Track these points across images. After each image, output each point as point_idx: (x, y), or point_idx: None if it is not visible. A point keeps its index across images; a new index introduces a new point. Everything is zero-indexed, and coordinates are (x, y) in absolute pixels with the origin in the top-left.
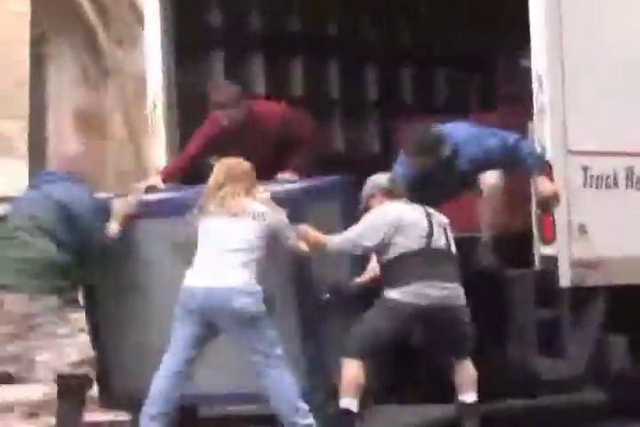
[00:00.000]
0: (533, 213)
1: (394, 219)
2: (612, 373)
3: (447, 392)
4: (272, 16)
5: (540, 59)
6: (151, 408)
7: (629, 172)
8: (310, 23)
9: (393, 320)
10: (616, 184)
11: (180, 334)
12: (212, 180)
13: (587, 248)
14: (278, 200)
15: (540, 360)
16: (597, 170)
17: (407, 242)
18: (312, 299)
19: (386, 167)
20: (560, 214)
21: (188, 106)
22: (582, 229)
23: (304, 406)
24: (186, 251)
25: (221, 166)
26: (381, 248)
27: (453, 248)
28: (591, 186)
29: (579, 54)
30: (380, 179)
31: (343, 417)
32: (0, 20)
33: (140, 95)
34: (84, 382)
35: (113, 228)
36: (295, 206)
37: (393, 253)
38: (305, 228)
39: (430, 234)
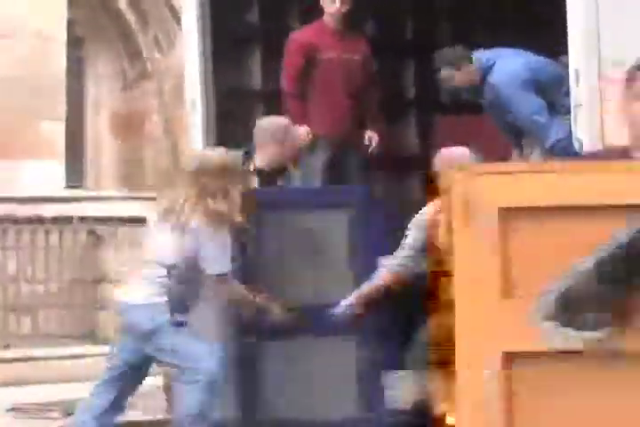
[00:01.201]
0: None
1: None
2: None
3: None
4: (308, 14)
5: (576, 53)
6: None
7: None
8: None
9: None
10: None
11: None
12: None
13: None
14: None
15: None
16: None
17: None
18: None
19: (424, 166)
20: None
21: (226, 105)
22: None
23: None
24: None
25: None
26: None
27: None
28: None
29: (615, 49)
30: None
31: None
32: (38, 24)
33: (178, 96)
34: None
35: None
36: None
37: None
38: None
39: None
